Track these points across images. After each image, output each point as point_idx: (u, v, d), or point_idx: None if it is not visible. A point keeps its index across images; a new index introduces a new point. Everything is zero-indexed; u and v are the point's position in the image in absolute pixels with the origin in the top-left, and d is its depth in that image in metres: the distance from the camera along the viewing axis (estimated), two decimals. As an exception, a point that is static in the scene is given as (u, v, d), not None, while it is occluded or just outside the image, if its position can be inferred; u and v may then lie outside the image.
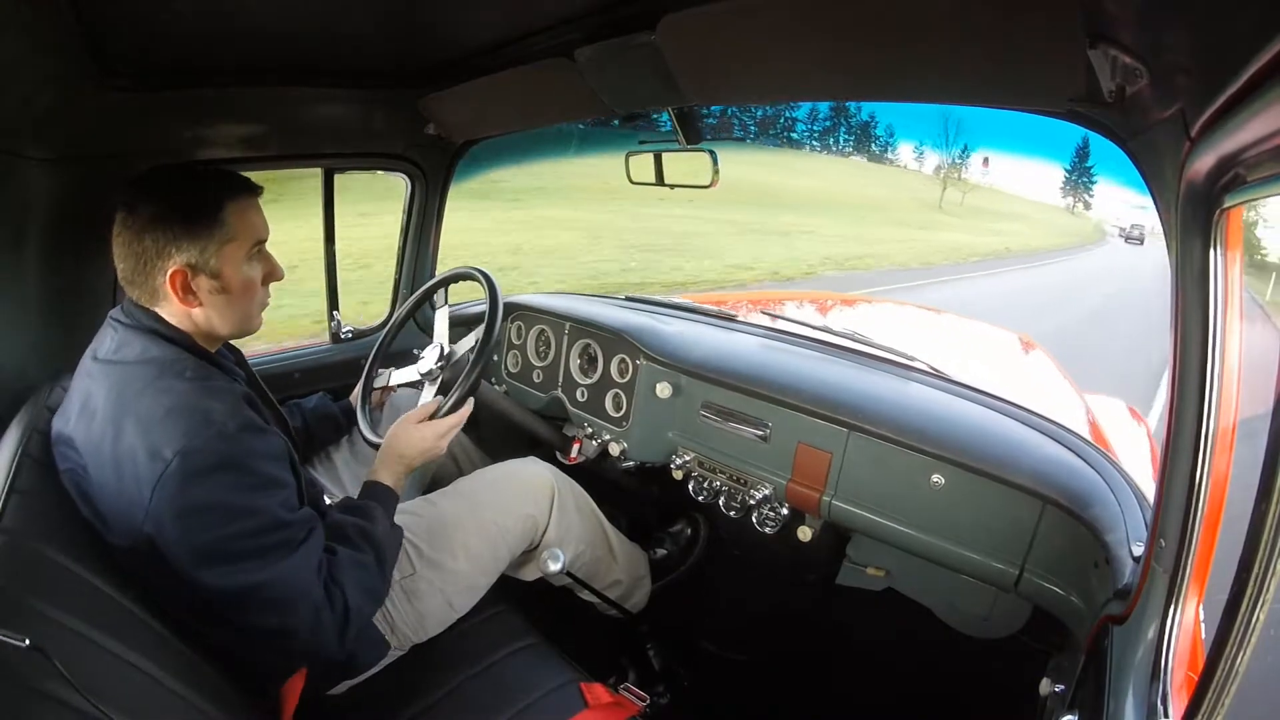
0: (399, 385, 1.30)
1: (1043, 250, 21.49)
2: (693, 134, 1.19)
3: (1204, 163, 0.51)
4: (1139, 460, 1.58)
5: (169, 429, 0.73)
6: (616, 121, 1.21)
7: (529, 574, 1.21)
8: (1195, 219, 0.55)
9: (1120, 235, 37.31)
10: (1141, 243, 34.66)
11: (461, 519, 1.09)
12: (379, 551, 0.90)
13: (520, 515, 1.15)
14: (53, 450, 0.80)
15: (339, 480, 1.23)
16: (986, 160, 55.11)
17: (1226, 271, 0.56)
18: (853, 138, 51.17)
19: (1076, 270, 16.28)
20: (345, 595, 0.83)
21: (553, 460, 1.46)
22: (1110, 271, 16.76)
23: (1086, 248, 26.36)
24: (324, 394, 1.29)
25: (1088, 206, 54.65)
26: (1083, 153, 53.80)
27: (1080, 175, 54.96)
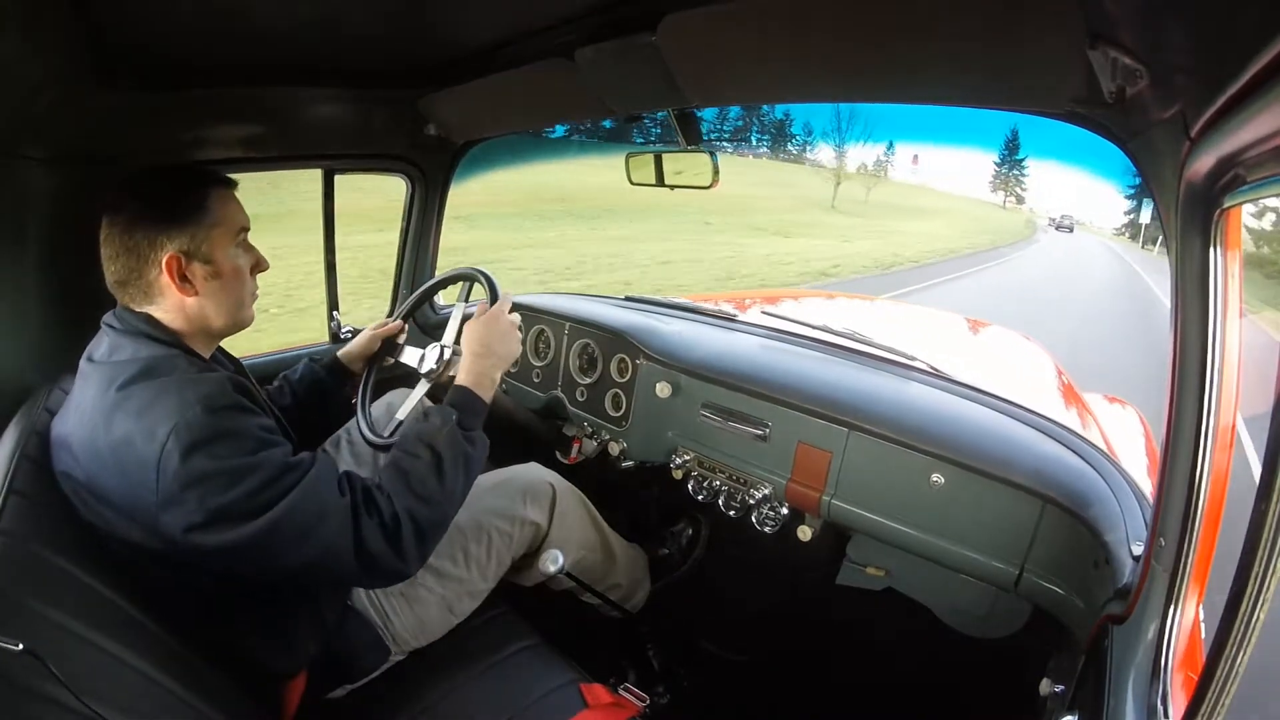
0: (405, 362, 1.25)
1: (943, 255, 15.67)
2: (692, 134, 1.19)
3: (1204, 163, 0.51)
4: (1130, 440, 1.60)
5: (159, 410, 0.73)
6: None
7: (530, 579, 1.21)
8: (1195, 219, 0.55)
9: (1052, 225, 37.06)
10: (1071, 231, 35.56)
11: (463, 525, 1.09)
12: (437, 454, 0.87)
13: (522, 521, 1.15)
14: (51, 452, 0.80)
15: None
16: (916, 157, 54.96)
17: (1226, 271, 0.56)
18: (767, 137, 48.16)
19: (974, 293, 10.29)
20: (392, 500, 0.82)
21: (552, 459, 1.46)
22: (1034, 291, 10.85)
23: (1005, 250, 19.88)
24: (307, 358, 1.23)
25: (1020, 200, 53.89)
26: (1016, 145, 53.40)
27: (1016, 169, 54.18)
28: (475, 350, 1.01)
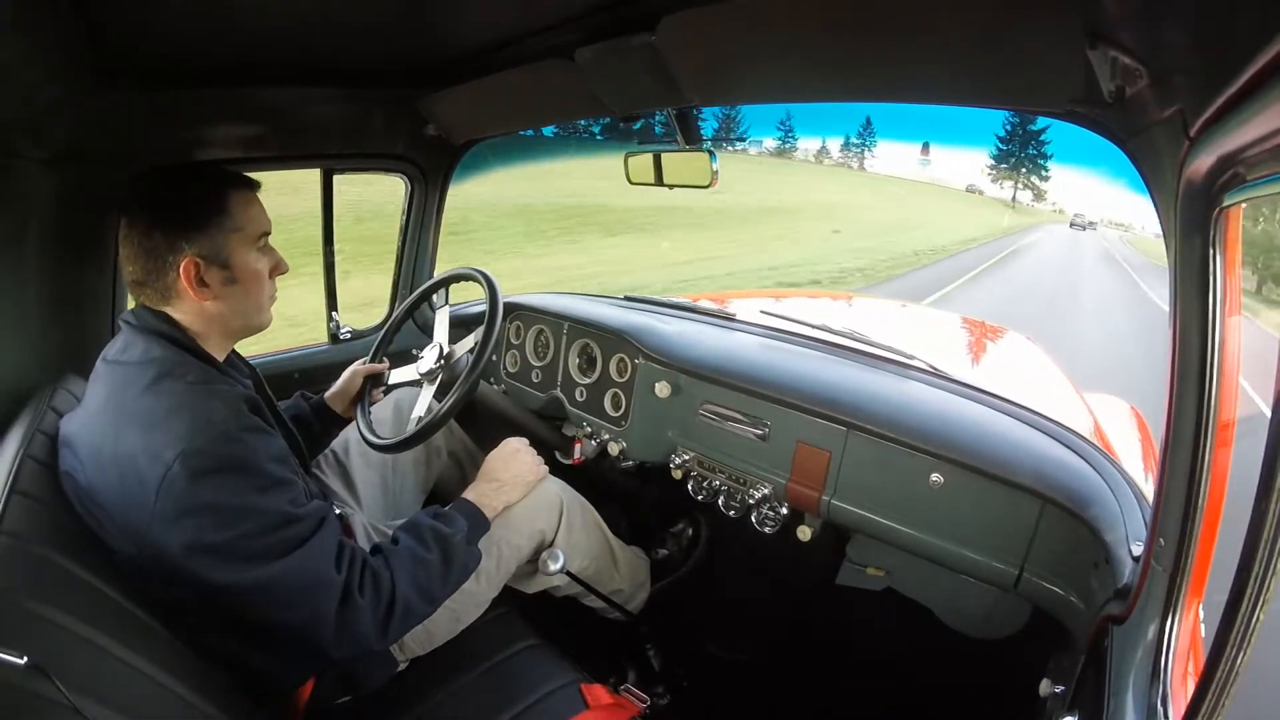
0: (397, 384, 1.29)
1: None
2: (692, 135, 1.19)
3: (1203, 162, 0.51)
4: (1130, 440, 1.60)
5: (169, 430, 0.72)
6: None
7: (533, 586, 1.21)
8: (1194, 218, 0.55)
9: (1077, 226, 33.77)
10: (1084, 229, 32.01)
11: None
12: (447, 555, 0.91)
13: (531, 533, 1.15)
14: (58, 451, 0.79)
15: (352, 485, 1.22)
16: (926, 146, 51.95)
17: (1225, 270, 0.56)
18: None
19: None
20: (395, 585, 0.83)
21: (552, 460, 1.46)
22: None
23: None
24: (299, 394, 1.25)
25: (1039, 197, 47.54)
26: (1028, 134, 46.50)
27: (1019, 157, 47.59)
28: (491, 478, 1.10)
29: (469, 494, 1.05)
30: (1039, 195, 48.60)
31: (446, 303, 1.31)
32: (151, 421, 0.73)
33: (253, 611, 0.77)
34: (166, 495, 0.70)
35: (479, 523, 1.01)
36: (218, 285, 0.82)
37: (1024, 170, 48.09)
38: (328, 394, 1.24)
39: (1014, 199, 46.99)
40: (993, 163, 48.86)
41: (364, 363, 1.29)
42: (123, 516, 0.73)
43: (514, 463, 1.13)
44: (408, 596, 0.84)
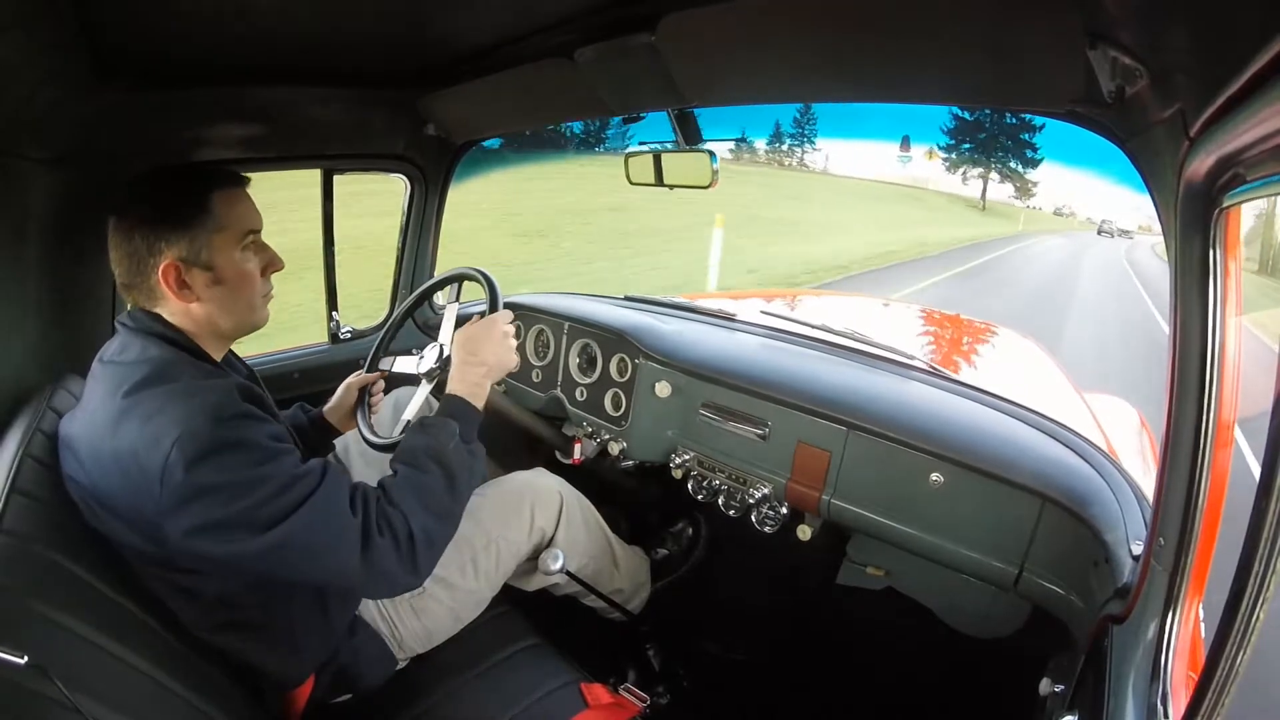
0: (400, 373, 1.27)
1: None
2: (691, 135, 1.19)
3: (1203, 163, 0.51)
4: (1130, 439, 1.60)
5: (164, 418, 0.72)
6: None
7: (532, 584, 1.21)
8: (1194, 219, 0.55)
9: (1105, 234, 28.70)
10: (1113, 238, 27.13)
11: (471, 537, 1.07)
12: (449, 470, 0.87)
13: (530, 530, 1.14)
14: (59, 452, 0.79)
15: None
16: (905, 140, 41.99)
17: (1225, 270, 0.56)
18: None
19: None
20: (407, 518, 0.80)
21: (553, 460, 1.46)
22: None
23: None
24: (298, 405, 1.21)
25: (1025, 193, 36.02)
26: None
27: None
28: (464, 359, 0.98)
29: (455, 387, 0.97)
30: (1025, 191, 36.24)
31: (457, 299, 1.27)
32: (147, 413, 0.73)
33: (272, 578, 0.76)
34: (169, 481, 0.70)
35: (470, 417, 0.94)
36: (201, 287, 0.80)
37: (999, 154, 35.36)
38: (325, 408, 1.19)
39: (982, 196, 34.91)
40: (950, 145, 36.88)
41: (359, 375, 1.25)
42: (131, 511, 0.73)
43: (504, 349, 1.02)
44: (425, 525, 0.81)
